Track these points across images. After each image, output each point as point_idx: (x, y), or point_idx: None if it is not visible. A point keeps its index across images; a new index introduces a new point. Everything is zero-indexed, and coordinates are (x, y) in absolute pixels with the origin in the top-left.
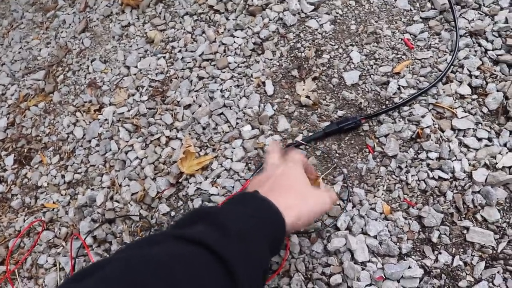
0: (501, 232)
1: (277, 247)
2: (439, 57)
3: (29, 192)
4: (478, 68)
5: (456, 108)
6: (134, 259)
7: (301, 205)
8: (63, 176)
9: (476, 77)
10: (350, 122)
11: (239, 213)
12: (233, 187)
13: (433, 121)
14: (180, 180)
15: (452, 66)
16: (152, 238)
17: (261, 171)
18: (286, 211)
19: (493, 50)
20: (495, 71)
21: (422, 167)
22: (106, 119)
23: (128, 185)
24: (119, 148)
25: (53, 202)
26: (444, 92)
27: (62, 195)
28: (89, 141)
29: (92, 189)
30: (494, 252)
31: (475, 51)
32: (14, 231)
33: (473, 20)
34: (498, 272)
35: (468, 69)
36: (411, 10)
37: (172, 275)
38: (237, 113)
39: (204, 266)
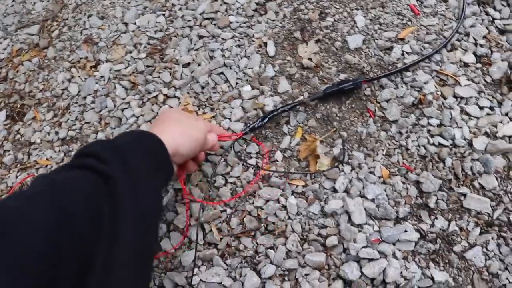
0: (498, 200)
1: (162, 164)
2: (445, 25)
3: (21, 148)
4: (484, 37)
5: (459, 76)
6: (15, 194)
7: (175, 127)
8: (57, 133)
9: (482, 45)
10: (350, 83)
11: (116, 141)
12: (231, 147)
13: (436, 88)
14: None
15: (457, 34)
16: (36, 176)
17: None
18: (162, 134)
19: (500, 19)
20: (501, 40)
21: (422, 133)
22: (102, 76)
23: None
24: (115, 106)
25: (47, 159)
26: (448, 59)
27: (55, 151)
28: (85, 98)
29: None
30: (490, 218)
31: (482, 20)
32: (6, 187)
33: None
34: (492, 238)
35: (473, 38)
36: None
37: (52, 197)
38: (237, 73)
39: (82, 181)
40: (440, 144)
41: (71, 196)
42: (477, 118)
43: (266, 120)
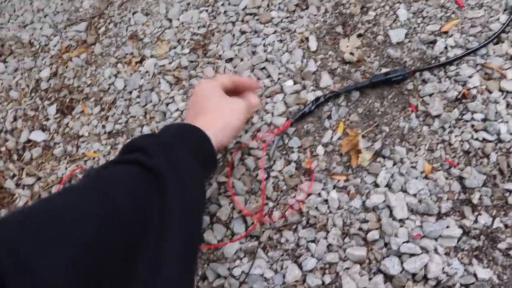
0: None
1: (208, 159)
2: (491, 17)
3: (70, 140)
4: None
5: (506, 69)
6: (66, 189)
7: (218, 119)
8: (103, 126)
9: None
10: (398, 74)
11: (159, 135)
12: (274, 141)
13: (481, 81)
14: None
15: (506, 26)
16: (87, 171)
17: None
18: (205, 128)
19: None
20: None
21: (466, 128)
22: (147, 71)
23: None
24: (159, 100)
25: (94, 151)
26: (494, 52)
27: (102, 144)
28: (130, 93)
29: None
30: None
31: None
32: (57, 178)
33: None
34: None
35: None
36: None
37: (100, 192)
38: (279, 68)
39: (128, 173)
40: (484, 139)
41: (119, 191)
42: None
43: (313, 107)
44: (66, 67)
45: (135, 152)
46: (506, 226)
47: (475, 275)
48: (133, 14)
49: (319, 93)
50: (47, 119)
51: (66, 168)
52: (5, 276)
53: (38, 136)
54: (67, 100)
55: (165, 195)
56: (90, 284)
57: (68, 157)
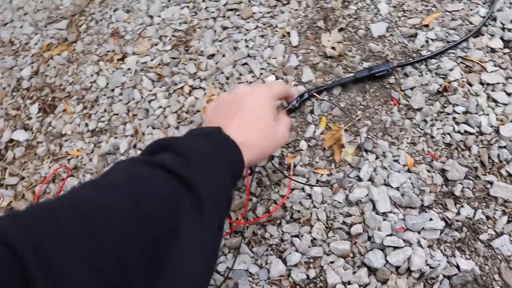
0: None
1: (236, 180)
2: (471, 10)
3: (53, 139)
4: None
5: (486, 62)
6: (93, 184)
7: (261, 144)
8: (86, 125)
9: (509, 30)
10: (382, 70)
11: (200, 144)
12: None
13: (461, 74)
14: None
15: (483, 19)
16: (114, 165)
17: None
18: (246, 148)
19: None
20: None
21: (448, 120)
22: (129, 68)
23: (151, 134)
24: (142, 97)
25: (77, 150)
26: (474, 45)
27: (86, 143)
28: (112, 90)
29: (116, 137)
30: None
31: (510, 3)
32: (40, 177)
33: None
34: None
35: (501, 22)
36: None
37: (131, 193)
38: (261, 63)
39: (164, 184)
40: (466, 131)
41: (150, 196)
42: (505, 104)
43: (297, 104)
44: (48, 65)
45: (170, 153)
46: (487, 217)
47: (457, 267)
48: (114, 11)
49: (301, 88)
50: (29, 118)
51: (50, 167)
52: (30, 272)
53: (21, 135)
54: (49, 98)
55: (204, 220)
56: None
57: (51, 156)
